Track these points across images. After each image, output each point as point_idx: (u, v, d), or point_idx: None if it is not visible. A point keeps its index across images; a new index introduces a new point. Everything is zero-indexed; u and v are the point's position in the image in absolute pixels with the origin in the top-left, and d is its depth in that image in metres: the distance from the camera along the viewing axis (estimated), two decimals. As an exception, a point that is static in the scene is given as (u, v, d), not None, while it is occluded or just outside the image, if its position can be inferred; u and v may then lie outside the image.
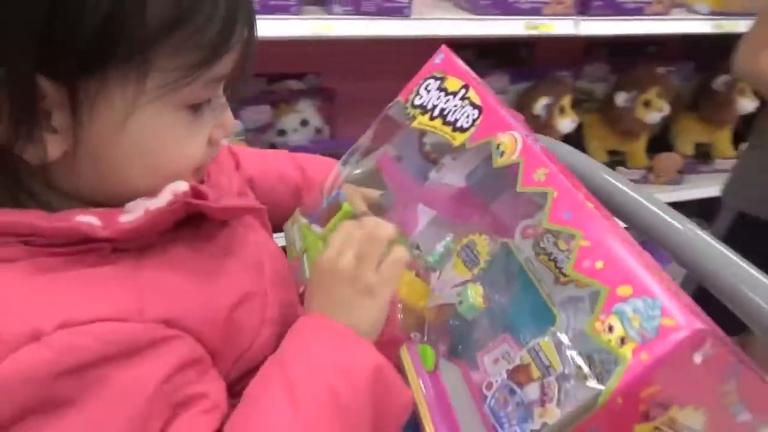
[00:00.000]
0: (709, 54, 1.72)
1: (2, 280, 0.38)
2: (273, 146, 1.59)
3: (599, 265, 0.39)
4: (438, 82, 0.65)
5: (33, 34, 0.36)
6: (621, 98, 1.53)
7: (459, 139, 0.58)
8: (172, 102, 0.41)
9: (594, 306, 0.46)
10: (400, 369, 0.52)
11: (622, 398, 0.34)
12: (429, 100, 0.65)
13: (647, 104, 1.53)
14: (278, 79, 1.53)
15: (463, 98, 0.60)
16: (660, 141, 1.71)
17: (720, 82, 1.62)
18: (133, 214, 0.41)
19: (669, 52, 1.77)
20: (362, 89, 1.64)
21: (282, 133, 1.53)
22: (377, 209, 0.73)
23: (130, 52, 0.38)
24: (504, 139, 0.52)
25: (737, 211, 1.25)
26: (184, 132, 0.43)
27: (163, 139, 0.42)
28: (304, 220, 0.74)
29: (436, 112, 0.63)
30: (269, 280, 0.52)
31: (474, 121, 0.57)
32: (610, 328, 0.36)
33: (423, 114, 0.65)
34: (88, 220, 0.40)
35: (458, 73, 0.63)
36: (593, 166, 0.79)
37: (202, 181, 0.49)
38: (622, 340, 0.35)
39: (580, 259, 0.40)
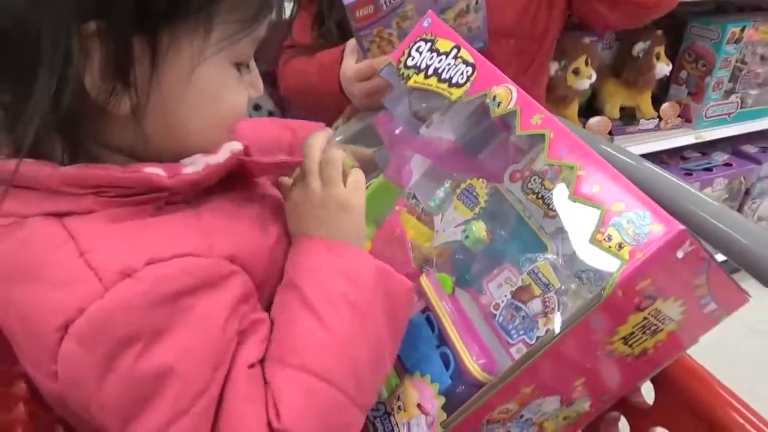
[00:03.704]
0: None
1: (88, 229, 0.43)
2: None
3: (596, 189, 0.47)
4: (429, 44, 0.72)
5: None
6: (553, 68, 1.62)
7: (456, 94, 0.65)
8: (228, 56, 0.46)
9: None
10: (421, 294, 0.60)
11: (622, 291, 0.43)
12: (422, 61, 0.71)
13: (576, 72, 1.63)
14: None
15: (455, 57, 0.67)
16: (589, 106, 1.85)
17: (639, 48, 1.74)
18: (194, 167, 0.47)
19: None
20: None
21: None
22: (368, 165, 0.80)
23: (200, 5, 0.43)
24: (499, 91, 0.60)
25: None
26: (235, 86, 0.48)
27: (221, 92, 0.47)
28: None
29: (431, 71, 0.70)
30: None
31: (469, 77, 0.64)
32: (609, 237, 0.44)
33: (417, 74, 0.71)
34: (155, 171, 0.45)
35: (448, 35, 0.70)
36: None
37: None
38: (620, 246, 0.43)
39: (579, 186, 0.48)
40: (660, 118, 1.85)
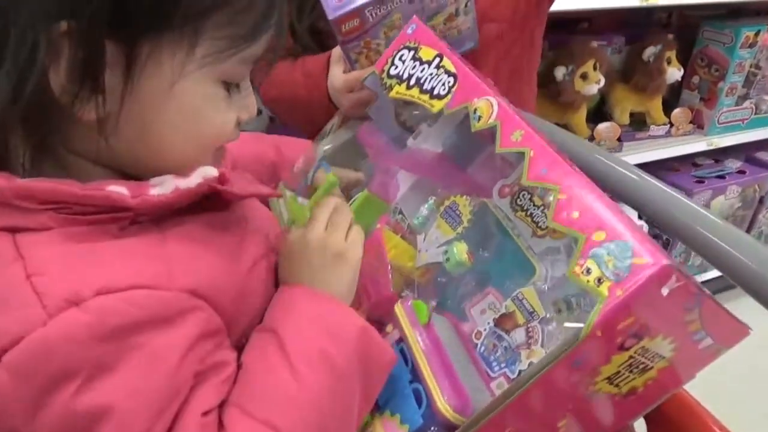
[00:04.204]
0: (638, 27, 1.81)
1: (40, 248, 0.40)
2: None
3: (575, 215, 0.43)
4: (412, 52, 0.68)
5: None
6: (560, 72, 1.58)
7: (437, 106, 0.61)
8: (214, 73, 0.43)
9: (570, 254, 0.51)
10: (395, 324, 0.56)
11: (601, 331, 0.38)
12: (404, 70, 0.68)
13: (584, 77, 1.59)
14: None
15: (438, 66, 0.63)
16: (598, 112, 1.80)
17: (649, 53, 1.69)
18: (162, 188, 0.43)
19: (599, 27, 1.84)
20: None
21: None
22: (354, 186, 0.76)
23: (186, 18, 0.40)
24: (480, 104, 0.56)
25: None
26: (221, 105, 0.45)
27: (204, 109, 0.44)
28: (289, 193, 0.76)
29: (413, 81, 0.66)
30: (273, 244, 0.55)
31: (450, 88, 0.60)
32: (588, 271, 0.40)
33: (399, 84, 0.67)
34: (118, 189, 0.42)
35: (431, 42, 0.66)
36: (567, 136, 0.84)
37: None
38: (599, 280, 0.39)
39: (558, 211, 0.44)
40: (671, 124, 1.80)
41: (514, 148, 0.50)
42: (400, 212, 0.75)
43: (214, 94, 0.45)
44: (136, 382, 0.39)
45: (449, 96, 0.60)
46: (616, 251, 0.39)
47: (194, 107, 0.44)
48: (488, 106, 0.55)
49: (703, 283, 0.40)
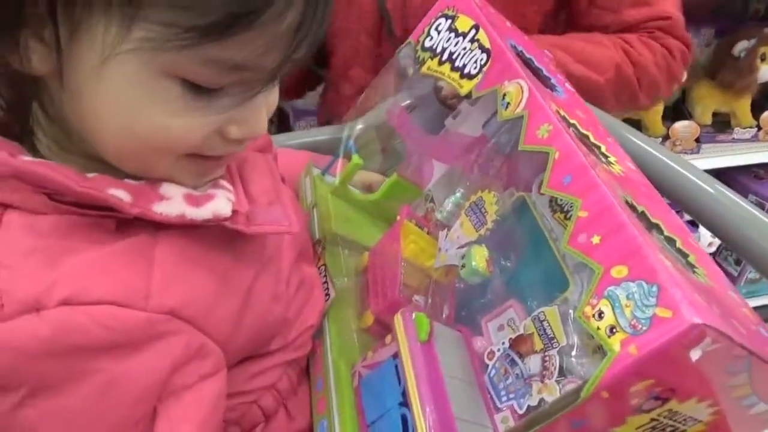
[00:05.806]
0: (731, 18, 1.63)
1: (20, 233, 0.36)
2: (280, 110, 1.57)
3: (595, 240, 0.34)
4: (449, 21, 0.59)
5: None
6: (740, 47, 1.50)
7: (466, 87, 0.53)
8: (156, 64, 0.35)
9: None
10: (393, 336, 0.50)
11: (608, 393, 0.30)
12: (439, 42, 0.59)
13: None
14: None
15: (472, 40, 0.55)
16: (677, 109, 1.65)
17: (740, 47, 1.52)
18: (169, 207, 0.39)
19: (687, 17, 1.64)
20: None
21: (289, 96, 1.58)
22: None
23: None
24: (510, 88, 0.47)
25: None
26: (173, 105, 0.37)
27: (142, 102, 0.37)
28: (316, 171, 0.71)
29: (445, 55, 0.58)
30: (287, 242, 0.51)
31: (482, 67, 0.52)
32: (600, 315, 0.31)
33: (432, 58, 0.59)
34: (119, 194, 0.38)
35: (469, 10, 0.57)
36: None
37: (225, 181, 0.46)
38: (612, 329, 0.31)
39: (575, 233, 0.36)
40: (759, 128, 1.63)
41: (538, 146, 0.42)
42: (432, 200, 0.68)
43: (162, 89, 0.37)
44: (81, 408, 0.36)
45: (480, 76, 0.52)
46: (638, 295, 0.30)
47: (130, 98, 0.37)
48: (518, 92, 0.46)
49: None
